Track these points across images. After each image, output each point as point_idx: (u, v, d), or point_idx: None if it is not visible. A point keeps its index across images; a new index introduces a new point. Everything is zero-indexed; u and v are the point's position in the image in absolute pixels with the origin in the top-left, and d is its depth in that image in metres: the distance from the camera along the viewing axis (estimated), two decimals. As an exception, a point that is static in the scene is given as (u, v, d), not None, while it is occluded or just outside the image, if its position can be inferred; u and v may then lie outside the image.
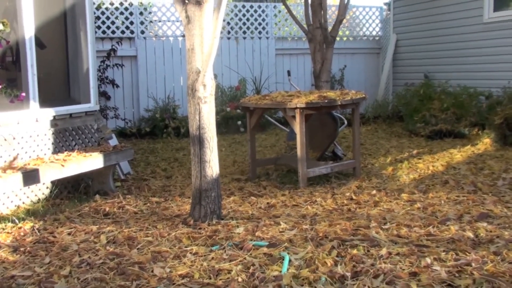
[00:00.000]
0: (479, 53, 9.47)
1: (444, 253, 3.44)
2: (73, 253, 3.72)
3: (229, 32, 11.18)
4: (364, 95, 6.09)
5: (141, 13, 10.29)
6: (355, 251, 3.50)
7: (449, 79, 9.75)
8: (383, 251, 3.47)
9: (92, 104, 6.23)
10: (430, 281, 2.98)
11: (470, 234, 3.81)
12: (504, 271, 3.07)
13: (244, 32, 11.26)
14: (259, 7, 11.40)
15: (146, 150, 8.39)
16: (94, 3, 9.49)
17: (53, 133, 5.67)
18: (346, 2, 7.80)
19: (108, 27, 9.96)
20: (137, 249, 3.80)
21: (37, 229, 4.37)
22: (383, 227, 4.07)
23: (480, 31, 9.43)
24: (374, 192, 5.32)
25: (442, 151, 7.43)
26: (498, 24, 9.08)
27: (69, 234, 4.21)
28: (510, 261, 3.25)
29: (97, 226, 4.37)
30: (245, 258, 3.49)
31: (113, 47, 9.50)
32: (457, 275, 3.07)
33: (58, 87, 6.52)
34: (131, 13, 10.17)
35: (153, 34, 10.50)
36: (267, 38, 11.45)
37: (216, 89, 10.22)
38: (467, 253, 3.41)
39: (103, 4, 10.08)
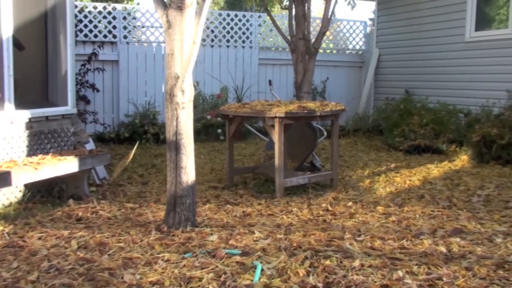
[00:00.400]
0: (459, 71, 9.59)
1: (416, 266, 3.44)
2: (42, 258, 3.64)
3: (212, 40, 11.17)
4: (343, 107, 6.10)
5: (124, 18, 10.24)
6: (328, 262, 3.48)
7: (429, 95, 9.84)
8: (356, 263, 3.46)
9: (69, 107, 6.15)
10: (401, 294, 2.97)
11: (443, 248, 3.81)
12: (474, 287, 3.08)
13: (228, 41, 11.27)
14: (244, 16, 11.44)
15: (123, 156, 8.29)
16: (76, 6, 9.46)
17: (28, 136, 5.58)
18: (330, 15, 7.85)
19: (90, 31, 9.90)
20: (108, 255, 3.74)
21: (6, 233, 4.28)
22: (357, 239, 4.06)
23: (461, 50, 9.55)
24: (350, 204, 5.32)
25: (420, 166, 7.47)
26: (479, 43, 9.20)
27: (39, 238, 4.13)
28: (481, 277, 3.26)
29: (69, 231, 4.29)
30: (217, 266, 3.45)
31: (95, 51, 9.42)
32: (428, 289, 3.07)
33: (36, 89, 6.43)
34: (114, 18, 10.12)
35: (136, 40, 10.45)
36: (251, 47, 11.47)
37: (197, 96, 10.28)
38: (439, 268, 3.41)
39: (86, 7, 10.02)
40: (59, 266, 3.47)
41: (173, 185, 4.32)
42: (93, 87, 9.72)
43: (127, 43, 10.26)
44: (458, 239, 4.08)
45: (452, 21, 9.70)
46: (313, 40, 7.90)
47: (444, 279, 3.20)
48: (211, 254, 3.68)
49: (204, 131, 9.88)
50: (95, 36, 9.96)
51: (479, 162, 7.57)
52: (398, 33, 11.15)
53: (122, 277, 3.29)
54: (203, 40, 10.95)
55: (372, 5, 11.96)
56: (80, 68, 9.26)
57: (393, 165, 7.54)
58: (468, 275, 3.29)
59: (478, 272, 3.33)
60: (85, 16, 9.88)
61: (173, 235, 4.16)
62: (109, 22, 10.12)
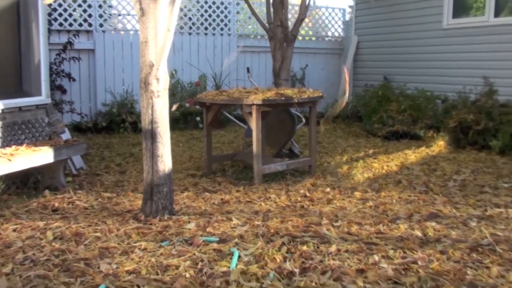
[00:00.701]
0: (437, 58, 9.64)
1: (392, 251, 3.47)
2: (17, 250, 3.59)
3: (190, 28, 11.09)
4: (321, 94, 6.11)
5: (100, 6, 10.10)
6: (304, 248, 3.49)
7: (408, 82, 9.89)
8: (333, 248, 3.48)
9: (43, 97, 6.05)
10: (376, 278, 3.00)
11: (418, 233, 3.86)
12: (448, 270, 3.12)
13: (206, 28, 11.19)
14: (222, 3, 11.36)
15: (101, 145, 8.23)
16: (50, -6, 9.28)
17: (1, 127, 5.48)
18: (308, 2, 7.82)
19: (65, 20, 9.76)
20: (84, 245, 3.70)
21: (-20, 225, 4.22)
22: (334, 224, 4.08)
23: (438, 37, 9.60)
24: (328, 189, 5.34)
25: (398, 152, 7.53)
26: (456, 30, 9.25)
27: (14, 230, 4.07)
28: (456, 260, 3.30)
29: (45, 222, 4.24)
30: (194, 254, 3.45)
31: (70, 40, 9.29)
32: (403, 272, 3.11)
33: (9, 79, 6.30)
34: (89, 6, 9.98)
35: (112, 28, 10.32)
36: (229, 34, 11.41)
37: (175, 84, 10.21)
38: (414, 252, 3.45)
39: (60, -5, 9.87)
40: (34, 258, 3.43)
41: (150, 173, 4.29)
42: (69, 76, 9.61)
43: (103, 31, 10.13)
44: (433, 223, 4.12)
45: (430, 8, 9.74)
46: (291, 27, 7.87)
47: (419, 262, 3.24)
48: (188, 242, 3.68)
49: (183, 119, 9.83)
50: (70, 24, 9.82)
51: (456, 148, 7.65)
52: (376, 20, 11.17)
53: (98, 267, 3.27)
54: (181, 28, 10.86)
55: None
56: (55, 57, 9.14)
57: (371, 151, 7.59)
58: (443, 259, 3.33)
59: (453, 256, 3.37)
60: (60, 5, 9.72)
61: (150, 224, 4.14)
62: (85, 11, 9.98)
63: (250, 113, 5.52)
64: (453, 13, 9.37)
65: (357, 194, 5.14)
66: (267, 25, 7.86)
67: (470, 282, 2.96)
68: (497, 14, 8.59)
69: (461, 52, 9.15)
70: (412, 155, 7.29)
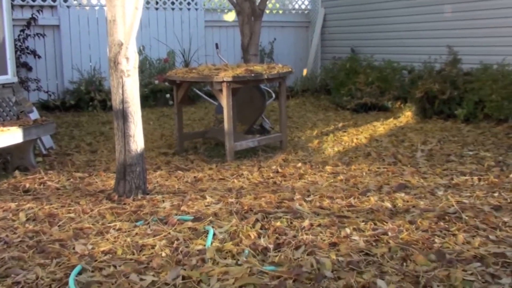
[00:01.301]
0: (402, 29, 9.74)
1: (363, 223, 3.57)
2: (-11, 232, 3.59)
3: (157, 3, 10.92)
4: (290, 69, 6.14)
5: (63, -20, 9.87)
6: (278, 223, 3.56)
7: (375, 54, 9.98)
8: (305, 223, 3.56)
9: (10, 76, 5.94)
10: (348, 250, 3.09)
11: (388, 204, 3.97)
12: (417, 239, 3.23)
13: (173, 3, 11.04)
14: (188, -23, 11.19)
15: (70, 124, 8.14)
16: (11, -31, 9.02)
17: (-33, 107, 5.39)
18: (274, -26, 7.79)
19: (28, -6, 9.51)
20: (58, 226, 3.71)
21: (-50, 208, 4.17)
22: (307, 199, 4.16)
23: (403, 7, 9.68)
24: (299, 165, 5.42)
25: (366, 124, 7.65)
26: (420, 0, 9.34)
27: (-15, 212, 4.05)
28: (424, 229, 3.42)
29: (16, 203, 4.22)
30: (169, 233, 3.48)
31: (33, 15, 9.08)
32: (374, 244, 3.21)
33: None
34: (52, -20, 9.73)
35: (76, 3, 10.10)
36: (196, 9, 11.28)
37: (144, 61, 10.10)
38: (385, 223, 3.56)
39: (21, -31, 9.60)
40: (7, 239, 3.42)
41: (122, 153, 4.29)
42: (34, 53, 9.41)
43: (68, 6, 9.91)
44: (402, 194, 4.24)
45: (395, -22, 9.80)
46: (258, 1, 7.84)
47: (389, 233, 3.34)
48: (163, 221, 3.71)
49: (152, 97, 9.76)
50: (33, -1, 9.59)
51: (423, 118, 7.81)
52: (343, -9, 11.19)
53: (74, 248, 3.28)
54: (147, 2, 10.69)
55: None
56: (19, 34, 8.93)
57: (340, 124, 7.69)
58: (412, 228, 3.44)
59: (421, 225, 3.49)
60: (21, -22, 9.47)
61: (124, 204, 4.15)
62: (47, -15, 9.74)
63: (221, 90, 5.54)
64: (416, -18, 9.45)
65: (328, 168, 5.23)
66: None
67: (438, 250, 3.07)
68: (459, -19, 8.70)
69: (425, 22, 9.26)
70: (381, 127, 7.42)
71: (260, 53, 11.17)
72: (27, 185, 4.76)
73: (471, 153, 5.72)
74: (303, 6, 12.85)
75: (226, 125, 5.62)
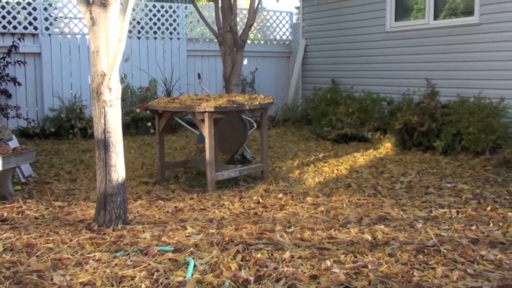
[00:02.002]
0: (382, 61, 9.93)
1: (344, 255, 3.59)
2: (-34, 263, 3.53)
3: (139, 32, 11.00)
4: (272, 100, 6.20)
5: (45, 9, 9.92)
6: (259, 255, 3.56)
7: (355, 85, 10.15)
8: (286, 255, 3.56)
9: (-10, 104, 5.91)
10: (329, 283, 3.10)
11: (368, 236, 3.99)
12: (397, 272, 3.25)
13: (155, 32, 11.13)
14: (170, 7, 11.32)
15: (50, 152, 8.08)
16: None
17: None
18: (256, 7, 7.91)
19: (9, 22, 9.54)
20: (36, 256, 3.66)
21: None
22: (288, 230, 4.17)
23: (382, 40, 9.89)
24: (280, 195, 5.44)
25: (347, 155, 7.72)
26: (399, 33, 9.56)
27: (-39, 242, 3.98)
28: (403, 262, 3.45)
29: (-6, 233, 4.16)
30: (149, 264, 3.46)
31: (14, 43, 9.09)
32: (354, 276, 3.22)
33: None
34: (34, 8, 9.78)
35: (58, 31, 10.13)
36: (179, 39, 11.39)
37: (125, 89, 10.11)
38: (365, 255, 3.58)
39: (3, -3, 9.65)
40: (-16, 271, 3.37)
41: (103, 183, 4.27)
42: (14, 80, 9.40)
43: (49, 34, 9.94)
44: (382, 226, 4.28)
45: (373, 11, 10.01)
46: (240, 32, 7.95)
47: (369, 266, 3.36)
48: (143, 252, 3.68)
49: (134, 125, 9.76)
50: (14, 27, 9.60)
51: (402, 149, 7.91)
52: (323, 23, 11.38)
53: (52, 279, 3.23)
54: (130, 31, 10.76)
55: (298, -4, 12.15)
56: (-1, 61, 8.93)
57: (321, 155, 7.75)
58: (391, 261, 3.47)
59: (400, 258, 3.52)
60: (3, 7, 9.51)
61: (104, 234, 4.12)
62: (29, 13, 9.77)
63: (203, 120, 5.56)
64: (395, 16, 9.67)
65: (309, 199, 5.26)
66: (216, 30, 7.90)
67: (417, 283, 3.10)
68: (436, 16, 8.94)
69: (404, 54, 9.46)
70: (361, 158, 7.49)
71: (242, 83, 11.28)
72: (5, 214, 4.70)
73: (449, 185, 5.80)
74: (284, 37, 13.04)
75: (207, 154, 5.63)
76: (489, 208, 4.80)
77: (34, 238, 4.05)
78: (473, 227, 4.25)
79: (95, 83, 4.16)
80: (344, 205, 5.04)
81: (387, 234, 4.08)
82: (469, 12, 8.37)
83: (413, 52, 9.27)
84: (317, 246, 3.76)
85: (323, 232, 4.11)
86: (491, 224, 4.32)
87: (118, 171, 4.29)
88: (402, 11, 9.58)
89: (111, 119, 4.21)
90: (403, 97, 8.66)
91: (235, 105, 5.66)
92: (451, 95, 8.26)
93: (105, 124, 4.19)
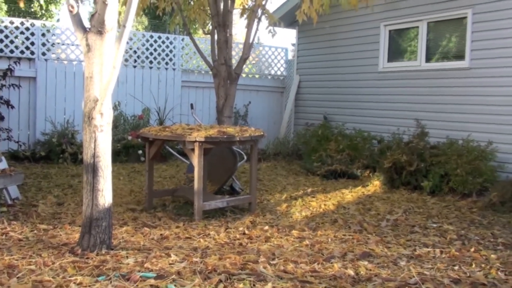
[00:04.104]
0: (373, 100, 10.07)
1: (325, 289, 3.59)
2: None
3: (135, 61, 11.12)
4: (262, 133, 6.26)
5: (43, 35, 10.03)
6: (241, 285, 3.56)
7: (346, 122, 10.27)
8: (268, 286, 3.56)
9: (-18, 125, 5.93)
10: (309, 316, 3.10)
11: (351, 272, 4.00)
12: (377, 307, 3.26)
13: (151, 62, 11.26)
14: (167, 38, 11.48)
15: (39, 175, 8.07)
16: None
17: None
18: (251, 42, 8.05)
19: (6, 46, 9.64)
20: (17, 278, 3.63)
21: None
22: (271, 262, 4.17)
23: (375, 79, 10.05)
24: (266, 227, 5.45)
25: (335, 191, 7.76)
26: (391, 74, 9.73)
27: None
28: (385, 298, 3.45)
29: (-24, 254, 4.14)
30: (131, 290, 3.45)
31: (10, 66, 9.17)
32: (335, 310, 3.22)
33: None
34: (32, 34, 9.89)
35: (55, 57, 10.23)
36: (174, 69, 11.51)
37: (118, 117, 10.17)
38: (347, 290, 3.58)
39: (2, 22, 9.75)
40: (-37, 291, 3.35)
41: (89, 207, 4.28)
42: (7, 103, 9.43)
43: (46, 60, 10.03)
44: (366, 263, 4.28)
45: (367, 51, 10.21)
46: (235, 65, 8.07)
47: (351, 301, 3.37)
48: (125, 277, 3.67)
49: (125, 152, 9.78)
50: (11, 51, 9.69)
51: (390, 188, 7.96)
52: (317, 61, 11.57)
53: (32, 302, 3.22)
54: (126, 60, 10.88)
55: (294, 32, 12.35)
56: (-6, 84, 8.98)
57: (310, 190, 7.78)
58: (373, 297, 3.47)
59: (382, 294, 3.53)
60: (1, 31, 9.61)
61: (87, 258, 4.10)
62: (27, 38, 9.87)
63: (193, 150, 5.60)
64: (388, 57, 9.87)
65: (295, 232, 5.27)
66: (211, 62, 8.02)
67: (397, 320, 3.11)
68: (428, 59, 9.13)
69: (395, 95, 9.62)
70: (349, 194, 7.53)
71: (235, 115, 11.39)
72: (-11, 235, 4.68)
73: (435, 225, 5.83)
74: (278, 72, 13.21)
75: (196, 184, 5.66)
76: (472, 249, 4.82)
77: (16, 260, 4.03)
78: (456, 267, 4.26)
79: (87, 108, 4.20)
80: (329, 239, 5.05)
81: (370, 270, 4.09)
82: (460, 56, 8.57)
83: (405, 93, 9.42)
84: (299, 279, 3.77)
85: (307, 266, 4.12)
86: (474, 265, 4.34)
87: (105, 196, 4.30)
88: (395, 53, 9.78)
89: (101, 144, 4.24)
90: (393, 136, 8.76)
91: (225, 136, 5.71)
92: (440, 137, 8.38)
93: (94, 149, 4.22)
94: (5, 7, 20.36)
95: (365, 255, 4.51)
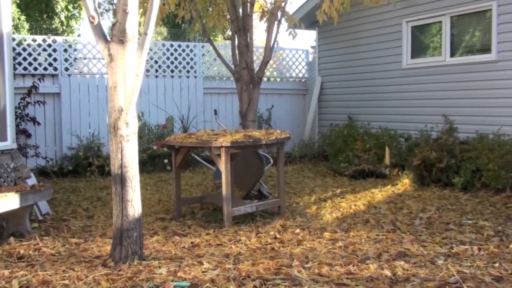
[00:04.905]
0: (398, 97, 9.93)
1: (363, 291, 3.50)
2: (-18, 300, 3.50)
3: (157, 71, 11.16)
4: (288, 135, 6.20)
5: (65, 50, 10.12)
6: (276, 291, 3.50)
7: (372, 121, 10.14)
8: (304, 290, 3.49)
9: (9, 142, 5.98)
10: (348, 319, 3.01)
11: (388, 272, 3.90)
12: (419, 308, 3.16)
13: (172, 71, 11.28)
14: (187, 46, 11.50)
15: (67, 189, 8.12)
16: (14, 39, 9.29)
17: (-35, 171, 5.38)
18: (272, 44, 8.00)
19: (30, 64, 9.74)
20: (52, 293, 3.63)
21: None
22: (305, 266, 4.10)
23: (399, 77, 9.91)
24: (298, 231, 5.37)
25: (364, 191, 7.64)
26: (415, 70, 9.58)
27: (-22, 279, 3.97)
28: (425, 298, 3.35)
29: (10, 270, 4.13)
30: (165, 300, 3.40)
31: (35, 84, 9.27)
32: (374, 313, 3.13)
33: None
34: (54, 50, 9.98)
35: (78, 71, 10.31)
36: (195, 77, 11.52)
37: (142, 127, 10.21)
38: (385, 291, 3.49)
39: (25, 40, 9.86)
40: (0, 308, 3.34)
41: (119, 218, 4.26)
42: (33, 120, 9.53)
43: (69, 75, 10.12)
44: (402, 262, 4.18)
45: (390, 49, 10.08)
46: (256, 69, 8.02)
47: (390, 302, 3.27)
48: (159, 288, 3.64)
49: (150, 162, 9.80)
50: (35, 69, 9.80)
51: (421, 185, 7.81)
52: (339, 61, 11.47)
53: (67, 316, 3.20)
54: (147, 70, 10.93)
55: (314, 34, 12.27)
56: (19, 102, 9.08)
57: (338, 191, 7.68)
58: (413, 298, 3.38)
59: (422, 294, 3.43)
60: (24, 49, 9.72)
61: (120, 270, 4.08)
62: (50, 55, 9.98)
63: (219, 155, 5.56)
64: (412, 53, 9.73)
65: (327, 234, 5.18)
66: (233, 67, 7.99)
67: (440, 320, 3.01)
68: (453, 54, 8.96)
69: (421, 91, 9.46)
70: (379, 193, 7.41)
71: (259, 120, 11.34)
72: (22, 252, 4.68)
73: (470, 222, 5.69)
74: (300, 75, 13.14)
75: (224, 190, 5.61)
76: (511, 245, 4.68)
77: (50, 275, 4.02)
78: (496, 265, 4.13)
79: (113, 118, 4.19)
80: (363, 240, 4.95)
81: (407, 270, 3.98)
82: (486, 49, 8.40)
83: (430, 89, 9.27)
84: (335, 282, 3.68)
85: (342, 268, 4.03)
86: (515, 261, 4.21)
87: (135, 206, 4.27)
88: (419, 49, 9.64)
89: (128, 154, 4.22)
90: (421, 133, 8.60)
91: (251, 140, 5.66)
92: (469, 132, 8.20)
93: (122, 159, 4.20)
94: (27, 26, 20.67)
95: (400, 254, 4.41)
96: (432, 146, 7.84)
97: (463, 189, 7.38)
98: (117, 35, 4.10)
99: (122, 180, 4.21)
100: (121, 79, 4.15)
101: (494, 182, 7.10)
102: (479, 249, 4.60)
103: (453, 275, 3.81)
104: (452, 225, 5.53)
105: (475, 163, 7.33)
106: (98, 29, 4.17)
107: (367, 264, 4.14)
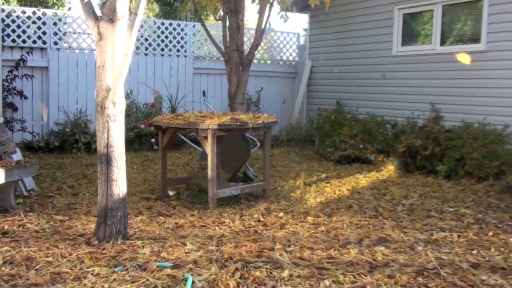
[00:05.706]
0: (387, 84, 9.97)
1: (343, 275, 3.57)
2: (-36, 274, 3.52)
3: (147, 49, 11.09)
4: (275, 119, 6.22)
5: (55, 24, 10.02)
6: (258, 273, 3.55)
7: (360, 107, 10.19)
8: (285, 273, 3.55)
9: (-4, 116, 5.96)
10: (327, 303, 3.08)
11: (368, 257, 3.97)
12: (396, 294, 3.23)
13: (163, 49, 11.23)
14: (179, 25, 11.43)
15: (53, 166, 8.11)
16: (3, 10, 9.17)
17: (-50, 145, 5.36)
18: (263, 27, 7.98)
19: (19, 36, 9.64)
20: (35, 270, 3.65)
21: None
22: (287, 249, 4.16)
23: (388, 63, 9.94)
24: (281, 214, 5.43)
25: (349, 176, 7.71)
26: (405, 58, 9.62)
27: (-39, 253, 3.98)
28: (402, 284, 3.42)
29: (-6, 245, 4.16)
30: (148, 280, 3.44)
31: (23, 57, 9.18)
32: (352, 297, 3.20)
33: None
34: (44, 23, 9.88)
35: (67, 46, 10.22)
36: (185, 56, 11.47)
37: (130, 105, 10.17)
38: (364, 276, 3.56)
39: (14, 12, 9.74)
40: (-18, 283, 3.36)
41: (104, 197, 4.28)
42: (21, 94, 9.46)
43: (58, 49, 10.03)
44: (382, 248, 4.26)
45: (381, 35, 10.09)
46: (247, 51, 8.01)
47: (368, 287, 3.34)
48: (142, 267, 3.67)
49: (138, 140, 9.79)
50: (24, 41, 9.70)
51: (405, 172, 7.90)
52: (330, 45, 11.46)
53: (50, 293, 3.23)
54: (137, 48, 10.86)
55: (306, 18, 12.24)
56: (7, 74, 9.01)
57: (324, 175, 7.74)
58: (390, 283, 3.45)
59: (400, 280, 3.50)
60: (13, 21, 9.60)
61: (104, 249, 4.11)
62: (39, 28, 9.87)
63: (206, 138, 5.58)
64: (402, 41, 9.76)
65: (310, 218, 5.25)
66: (223, 48, 7.97)
67: (416, 306, 3.08)
68: (443, 42, 9.00)
69: (409, 79, 9.51)
70: (363, 179, 7.48)
71: (247, 102, 11.34)
72: (6, 227, 4.69)
73: (451, 209, 5.78)
74: (290, 58, 13.13)
75: (209, 172, 5.64)
76: (490, 233, 4.77)
77: (34, 252, 4.04)
78: (474, 252, 4.22)
79: (100, 97, 4.18)
80: (345, 225, 5.02)
81: (387, 255, 4.06)
82: (475, 39, 8.44)
83: (419, 77, 9.31)
84: (316, 266, 3.75)
85: (323, 252, 4.10)
86: (493, 249, 4.29)
87: (120, 186, 4.29)
88: (409, 36, 9.66)
89: (114, 133, 4.22)
90: (407, 120, 8.67)
91: (238, 123, 5.68)
92: (455, 120, 8.28)
93: (108, 138, 4.21)
94: (16, -3, 20.37)
95: (381, 240, 4.48)
96: (417, 134, 7.92)
97: (447, 176, 7.47)
98: (107, 14, 4.08)
99: (107, 159, 4.23)
100: (109, 58, 4.14)
101: (477, 170, 7.19)
102: (459, 236, 4.69)
103: (432, 261, 3.89)
104: (433, 212, 5.62)
105: (460, 151, 7.42)
106: (88, 7, 4.14)
107: (348, 249, 4.21)
